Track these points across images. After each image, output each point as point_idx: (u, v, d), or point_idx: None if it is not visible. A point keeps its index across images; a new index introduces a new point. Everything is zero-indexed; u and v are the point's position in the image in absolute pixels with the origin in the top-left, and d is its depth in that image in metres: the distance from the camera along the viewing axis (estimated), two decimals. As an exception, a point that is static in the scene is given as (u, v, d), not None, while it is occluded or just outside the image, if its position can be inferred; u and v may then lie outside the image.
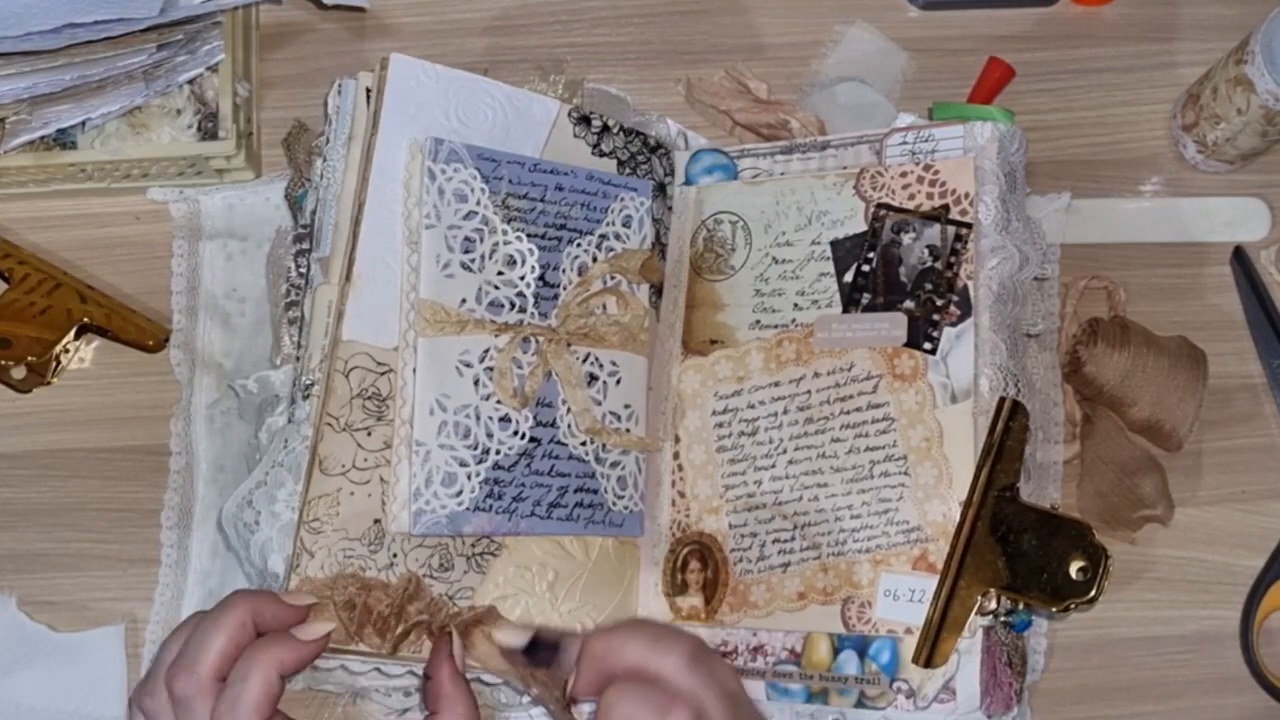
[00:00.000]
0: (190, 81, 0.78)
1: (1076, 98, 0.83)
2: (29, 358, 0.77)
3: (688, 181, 0.77)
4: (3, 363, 0.77)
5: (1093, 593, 0.63)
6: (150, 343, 0.78)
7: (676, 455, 0.73)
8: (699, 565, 0.71)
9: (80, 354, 0.79)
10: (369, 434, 0.66)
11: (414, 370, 0.67)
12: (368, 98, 0.70)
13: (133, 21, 0.75)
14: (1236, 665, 0.75)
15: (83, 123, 0.76)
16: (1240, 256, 0.80)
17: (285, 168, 0.79)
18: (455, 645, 0.63)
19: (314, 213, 0.71)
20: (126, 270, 0.80)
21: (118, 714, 0.74)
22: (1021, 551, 0.64)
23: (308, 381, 0.67)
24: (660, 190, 0.76)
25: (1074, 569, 0.63)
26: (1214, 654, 0.76)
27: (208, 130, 0.78)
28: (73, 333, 0.77)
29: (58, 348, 0.77)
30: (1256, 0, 0.82)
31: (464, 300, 0.68)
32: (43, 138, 0.77)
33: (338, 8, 0.82)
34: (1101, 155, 0.82)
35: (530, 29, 0.84)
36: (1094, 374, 0.75)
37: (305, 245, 0.71)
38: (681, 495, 0.73)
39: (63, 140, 0.77)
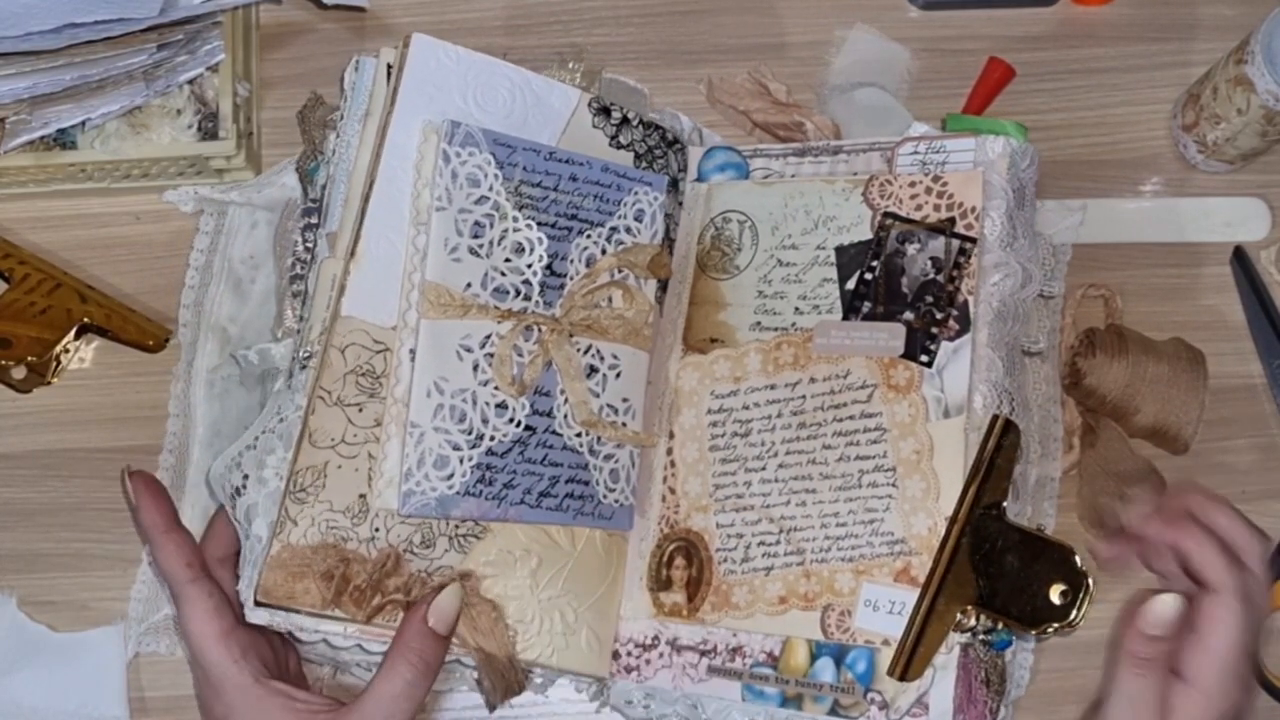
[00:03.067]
0: (190, 81, 0.78)
1: (1076, 98, 0.83)
2: (29, 358, 0.77)
3: (700, 178, 0.77)
4: (3, 363, 0.77)
5: (1072, 618, 0.62)
6: (150, 343, 0.78)
7: (670, 451, 0.73)
8: (684, 562, 0.71)
9: (80, 354, 0.79)
10: (360, 410, 0.66)
11: (411, 351, 0.67)
12: (388, 75, 0.70)
13: (133, 21, 0.75)
14: (1236, 665, 0.75)
15: (83, 123, 0.76)
16: (1240, 256, 0.80)
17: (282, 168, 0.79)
18: (448, 597, 0.64)
19: (324, 187, 0.71)
20: (126, 270, 0.80)
21: (118, 714, 0.74)
22: (1003, 571, 0.64)
23: (306, 353, 0.67)
24: (673, 185, 0.76)
25: (1055, 593, 0.63)
26: (1214, 654, 0.76)
27: (208, 130, 0.78)
28: (73, 333, 0.77)
29: (58, 348, 0.77)
30: (1257, 0, 0.82)
31: (469, 285, 0.68)
32: (43, 138, 0.77)
33: (338, 8, 0.82)
34: (1101, 155, 0.82)
35: (530, 29, 0.84)
36: (1095, 385, 0.74)
37: (313, 219, 0.71)
38: (672, 491, 0.72)
39: (63, 140, 0.77)
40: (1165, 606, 0.60)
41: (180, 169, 0.78)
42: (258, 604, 0.63)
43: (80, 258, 0.80)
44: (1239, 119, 0.75)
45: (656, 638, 0.70)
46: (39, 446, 0.78)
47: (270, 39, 0.83)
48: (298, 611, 0.64)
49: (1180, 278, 0.80)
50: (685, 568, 0.71)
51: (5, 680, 0.74)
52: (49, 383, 0.78)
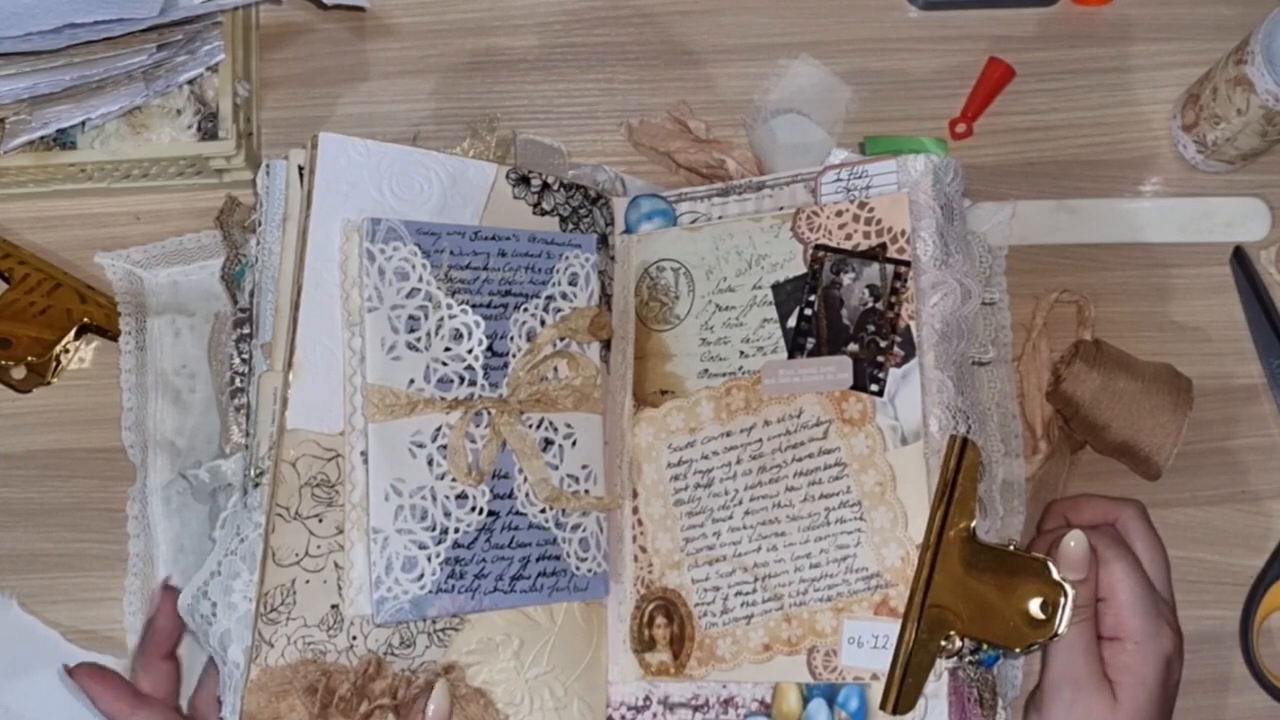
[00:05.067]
0: (190, 81, 0.78)
1: (1076, 98, 0.83)
2: (29, 358, 0.77)
3: (628, 229, 0.75)
4: (3, 363, 0.77)
5: (1054, 629, 0.62)
6: (150, 343, 0.78)
7: (635, 510, 0.72)
8: (665, 620, 0.70)
9: (80, 354, 0.79)
10: (320, 520, 0.65)
11: (363, 454, 0.65)
12: (300, 176, 0.68)
13: (133, 21, 0.75)
14: (1236, 665, 0.75)
15: (83, 123, 0.76)
16: (1240, 256, 0.80)
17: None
18: (438, 696, 0.63)
19: (252, 294, 0.69)
20: (126, 270, 0.80)
21: None
22: (981, 591, 0.63)
23: (257, 470, 0.65)
24: (603, 242, 0.74)
25: (1034, 606, 0.62)
26: (1214, 654, 0.76)
27: (208, 130, 0.78)
28: (73, 333, 0.77)
29: (58, 348, 0.77)
30: (1256, 0, 0.82)
31: (412, 380, 0.67)
32: (43, 138, 0.76)
33: (338, 8, 0.82)
34: (1101, 155, 0.82)
35: (530, 29, 0.84)
36: (1070, 391, 0.74)
37: (246, 330, 0.69)
38: (643, 550, 0.71)
39: (63, 140, 0.77)
40: (1074, 546, 0.64)
41: (180, 169, 0.78)
42: None
43: (80, 258, 0.80)
44: (1239, 119, 0.75)
45: (648, 698, 0.70)
46: (39, 446, 0.78)
47: (270, 39, 0.83)
48: None
49: (1180, 278, 0.80)
50: (667, 625, 0.70)
51: (3, 685, 0.74)
52: (49, 383, 0.78)
